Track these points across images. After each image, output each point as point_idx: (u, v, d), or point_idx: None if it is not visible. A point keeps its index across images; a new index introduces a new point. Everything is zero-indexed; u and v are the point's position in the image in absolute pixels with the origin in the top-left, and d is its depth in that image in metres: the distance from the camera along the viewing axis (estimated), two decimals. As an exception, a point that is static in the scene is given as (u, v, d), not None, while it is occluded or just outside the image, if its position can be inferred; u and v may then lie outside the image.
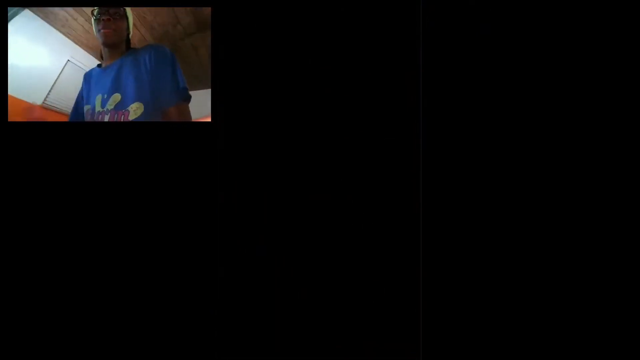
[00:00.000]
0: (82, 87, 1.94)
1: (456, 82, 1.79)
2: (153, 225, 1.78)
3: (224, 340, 1.78)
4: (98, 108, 1.87)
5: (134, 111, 1.83)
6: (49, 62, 1.99)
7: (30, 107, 1.88)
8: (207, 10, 1.94)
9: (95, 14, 1.88)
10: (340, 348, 1.80)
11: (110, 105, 1.85)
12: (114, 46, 1.91)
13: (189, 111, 1.86)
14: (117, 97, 1.86)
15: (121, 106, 1.85)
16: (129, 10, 1.90)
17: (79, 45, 2.06)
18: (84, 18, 1.99)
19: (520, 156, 1.80)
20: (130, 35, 1.92)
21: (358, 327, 1.80)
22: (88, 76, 1.94)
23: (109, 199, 1.78)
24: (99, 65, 1.96)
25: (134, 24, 1.97)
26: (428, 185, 1.80)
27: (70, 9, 1.96)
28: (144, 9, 1.95)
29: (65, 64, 2.01)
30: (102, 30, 1.89)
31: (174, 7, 1.96)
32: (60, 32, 2.04)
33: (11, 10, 1.91)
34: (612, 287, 1.78)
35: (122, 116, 1.84)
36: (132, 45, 1.93)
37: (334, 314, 1.80)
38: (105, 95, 1.87)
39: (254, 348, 1.78)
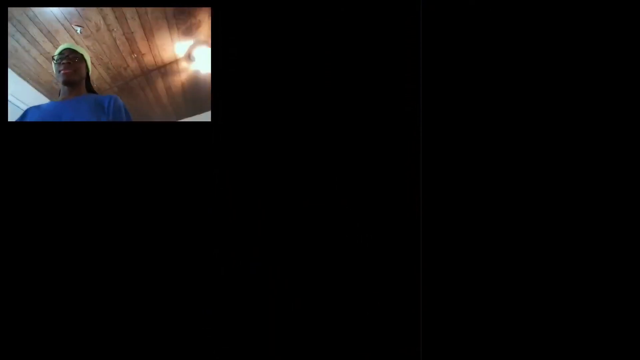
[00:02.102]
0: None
1: (456, 82, 1.79)
2: (151, 225, 1.81)
3: (219, 340, 1.81)
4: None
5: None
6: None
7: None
8: (147, 58, 2.15)
9: (55, 58, 2.01)
10: (337, 351, 1.81)
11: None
12: (73, 84, 2.02)
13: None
14: None
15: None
16: (86, 54, 2.04)
17: (27, 80, 2.13)
18: (39, 51, 2.11)
19: (521, 156, 1.79)
20: (89, 73, 2.05)
21: (355, 331, 1.82)
22: (35, 110, 1.98)
23: (107, 199, 1.80)
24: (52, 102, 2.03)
25: (93, 63, 2.12)
26: (428, 186, 1.80)
27: (24, 41, 2.07)
28: (101, 50, 2.12)
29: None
30: (62, 71, 2.00)
31: (123, 53, 2.14)
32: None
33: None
34: (612, 287, 1.77)
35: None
36: (92, 83, 2.07)
37: (330, 318, 1.82)
38: None
39: (249, 350, 1.82)
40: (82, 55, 2.02)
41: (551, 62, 1.80)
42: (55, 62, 2.00)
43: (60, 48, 2.01)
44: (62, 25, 2.05)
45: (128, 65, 2.19)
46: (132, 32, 2.08)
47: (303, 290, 1.82)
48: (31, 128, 1.83)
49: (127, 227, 1.81)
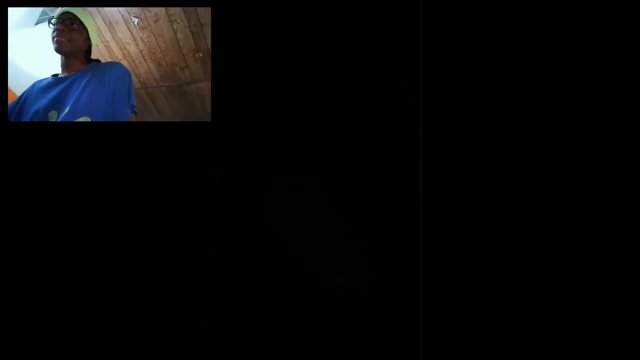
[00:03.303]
0: (23, 99, 1.87)
1: (456, 82, 1.80)
2: (151, 225, 1.79)
3: (219, 340, 1.79)
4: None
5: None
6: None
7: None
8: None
9: (52, 22, 1.85)
10: (337, 351, 1.82)
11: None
12: (70, 55, 1.87)
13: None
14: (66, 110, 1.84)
15: (67, 118, 1.83)
16: (90, 22, 1.89)
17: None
18: (100, 39, 2.04)
19: (521, 156, 1.81)
20: (91, 46, 1.89)
21: (355, 332, 1.82)
22: (39, 88, 1.88)
23: (107, 198, 1.78)
24: (54, 75, 1.90)
25: (144, 57, 2.06)
26: (428, 186, 1.81)
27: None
28: (155, 44, 2.04)
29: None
30: (55, 39, 1.84)
31: (183, 50, 2.05)
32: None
33: (42, 16, 1.92)
34: (612, 287, 1.79)
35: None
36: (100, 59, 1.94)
37: (330, 318, 1.82)
38: (59, 112, 1.84)
39: (249, 350, 1.79)
40: (81, 25, 1.86)
41: (551, 61, 1.81)
42: (52, 26, 1.84)
43: (59, 11, 1.85)
44: (122, 16, 2.00)
45: (187, 65, 2.06)
46: (202, 24, 1.94)
47: (303, 290, 1.82)
48: (31, 128, 1.79)
49: (126, 227, 1.80)
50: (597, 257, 1.79)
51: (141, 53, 2.07)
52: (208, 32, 1.95)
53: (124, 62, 2.08)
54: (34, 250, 1.78)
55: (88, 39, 1.88)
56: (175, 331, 1.80)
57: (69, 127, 1.80)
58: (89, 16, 1.88)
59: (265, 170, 1.83)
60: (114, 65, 1.91)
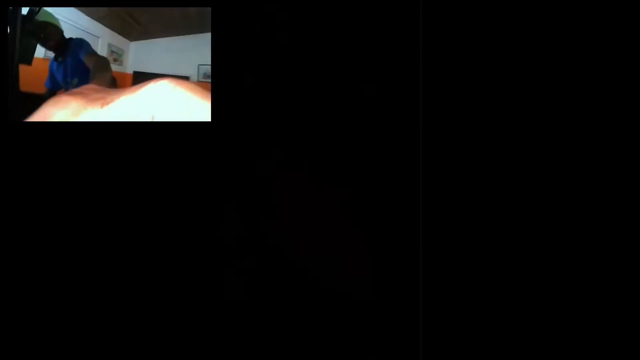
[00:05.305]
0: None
1: (456, 82, 1.79)
2: (150, 225, 1.78)
3: (219, 341, 1.79)
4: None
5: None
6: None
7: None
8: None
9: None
10: (337, 351, 1.80)
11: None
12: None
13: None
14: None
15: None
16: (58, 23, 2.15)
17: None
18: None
19: (522, 156, 1.79)
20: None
21: (354, 332, 1.80)
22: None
23: (107, 199, 1.77)
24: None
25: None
26: (428, 186, 1.79)
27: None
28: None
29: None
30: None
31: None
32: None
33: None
34: (613, 287, 1.77)
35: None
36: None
37: (329, 318, 1.80)
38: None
39: (249, 350, 1.80)
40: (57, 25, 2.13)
41: (552, 61, 1.81)
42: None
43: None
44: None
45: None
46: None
47: (303, 290, 1.81)
48: (31, 128, 1.78)
49: (126, 227, 1.78)
50: (598, 257, 1.79)
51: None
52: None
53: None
54: (35, 251, 1.77)
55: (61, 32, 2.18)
56: (175, 331, 1.79)
57: (69, 126, 1.80)
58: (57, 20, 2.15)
59: (264, 171, 1.81)
60: (76, 40, 2.23)
